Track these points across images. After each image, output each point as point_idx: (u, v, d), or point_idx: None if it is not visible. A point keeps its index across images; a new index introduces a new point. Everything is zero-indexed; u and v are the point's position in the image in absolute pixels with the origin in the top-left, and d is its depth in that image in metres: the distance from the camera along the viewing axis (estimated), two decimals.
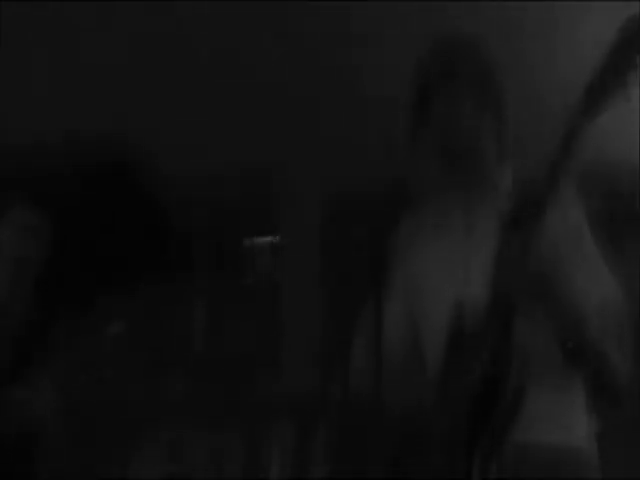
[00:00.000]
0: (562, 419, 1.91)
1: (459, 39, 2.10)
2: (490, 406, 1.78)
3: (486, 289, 1.84)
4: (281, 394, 3.43)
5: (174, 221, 4.05)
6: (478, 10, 3.00)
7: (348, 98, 3.55)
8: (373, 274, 2.21)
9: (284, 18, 3.32)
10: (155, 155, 3.90)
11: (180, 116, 3.77)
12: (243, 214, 3.96)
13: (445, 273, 2.01)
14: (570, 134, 1.83)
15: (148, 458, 3.45)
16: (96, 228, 3.91)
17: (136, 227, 3.96)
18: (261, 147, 3.83)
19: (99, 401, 3.13)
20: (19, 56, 3.68)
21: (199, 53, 3.61)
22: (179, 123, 3.78)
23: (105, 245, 3.93)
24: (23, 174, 3.81)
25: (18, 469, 2.92)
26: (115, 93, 3.70)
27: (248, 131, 3.79)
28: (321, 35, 3.48)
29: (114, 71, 3.68)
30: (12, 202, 3.61)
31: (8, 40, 3.56)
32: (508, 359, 1.82)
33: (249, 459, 3.42)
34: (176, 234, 4.05)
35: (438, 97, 2.06)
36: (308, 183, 3.88)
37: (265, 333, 3.75)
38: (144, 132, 3.73)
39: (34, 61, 3.71)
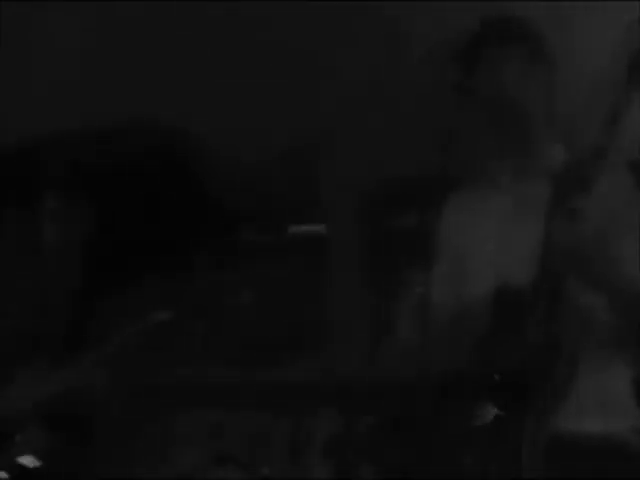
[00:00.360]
0: (608, 406, 1.90)
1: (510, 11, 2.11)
2: (541, 377, 1.78)
3: (534, 266, 1.85)
4: (326, 378, 3.45)
5: (221, 206, 4.08)
6: None
7: (391, 83, 3.55)
8: (418, 258, 2.22)
9: None
10: (203, 140, 3.92)
11: (226, 100, 3.80)
12: (288, 200, 3.97)
13: (493, 248, 2.02)
14: (617, 108, 1.83)
15: (191, 440, 3.49)
16: (143, 213, 3.94)
17: (183, 211, 4.00)
18: (306, 132, 3.84)
19: (145, 384, 3.15)
20: (65, 41, 3.72)
21: (245, 38, 3.63)
22: (225, 107, 3.81)
23: (152, 231, 3.96)
24: (69, 160, 3.85)
25: (73, 452, 2.97)
26: (162, 76, 3.73)
27: (294, 115, 3.80)
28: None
29: (161, 54, 3.71)
30: (57, 188, 3.66)
31: (49, 26, 3.61)
32: (556, 336, 1.82)
33: (293, 443, 3.44)
34: (223, 219, 4.08)
35: (486, 61, 2.07)
36: (353, 168, 3.88)
37: (311, 318, 3.76)
38: (191, 116, 3.76)
39: (79, 45, 3.75)
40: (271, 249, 3.90)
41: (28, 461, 2.83)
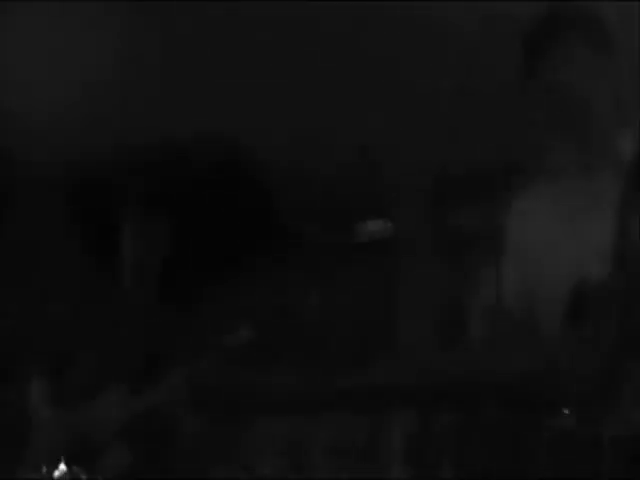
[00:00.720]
0: None
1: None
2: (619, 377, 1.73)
3: (608, 262, 1.80)
4: (400, 380, 3.44)
5: (285, 209, 4.10)
6: None
7: (454, 82, 3.52)
8: (488, 256, 2.20)
9: None
10: (265, 149, 3.95)
11: (287, 106, 3.81)
12: (353, 198, 3.98)
13: (563, 244, 1.98)
14: None
15: (261, 450, 3.51)
16: (211, 227, 3.99)
17: (248, 223, 4.03)
18: (371, 130, 3.84)
19: (222, 394, 3.18)
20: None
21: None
22: (286, 115, 3.83)
23: (221, 243, 4.00)
24: (141, 175, 3.91)
25: (156, 464, 3.01)
26: (225, 89, 3.77)
27: (357, 113, 3.81)
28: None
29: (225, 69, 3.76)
30: (132, 204, 3.70)
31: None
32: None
33: (367, 452, 3.44)
34: (287, 223, 4.10)
35: (554, 47, 2.01)
36: (417, 165, 3.87)
37: (380, 319, 3.75)
38: (253, 129, 3.79)
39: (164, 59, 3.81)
40: (339, 249, 3.91)
41: None
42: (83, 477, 2.94)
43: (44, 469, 2.97)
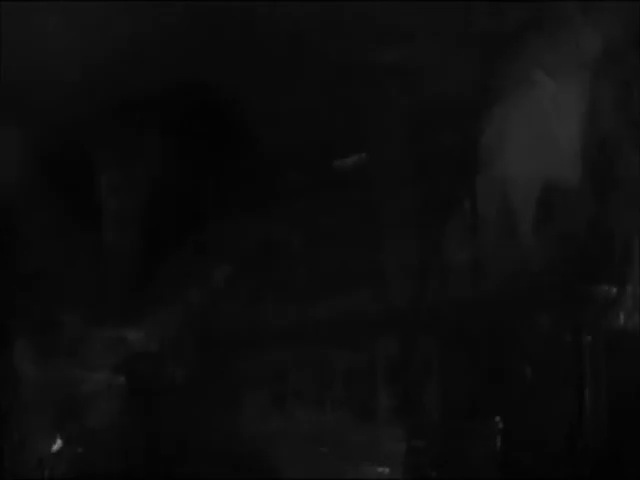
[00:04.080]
0: None
1: None
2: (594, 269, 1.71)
3: (576, 163, 1.78)
4: (383, 307, 3.46)
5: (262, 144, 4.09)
6: None
7: None
8: (464, 175, 2.19)
9: None
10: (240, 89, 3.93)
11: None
12: (330, 130, 3.96)
13: (535, 148, 1.96)
14: None
15: (257, 382, 3.53)
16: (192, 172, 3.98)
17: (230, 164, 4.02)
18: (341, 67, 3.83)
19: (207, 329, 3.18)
20: None
21: None
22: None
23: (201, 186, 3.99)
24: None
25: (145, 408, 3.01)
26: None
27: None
28: None
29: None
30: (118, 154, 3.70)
31: None
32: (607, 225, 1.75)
33: (351, 377, 3.46)
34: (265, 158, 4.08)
35: None
36: (394, 93, 3.85)
37: (361, 250, 3.76)
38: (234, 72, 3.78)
39: None
40: (316, 185, 3.90)
41: None
42: (79, 450, 2.95)
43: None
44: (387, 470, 2.79)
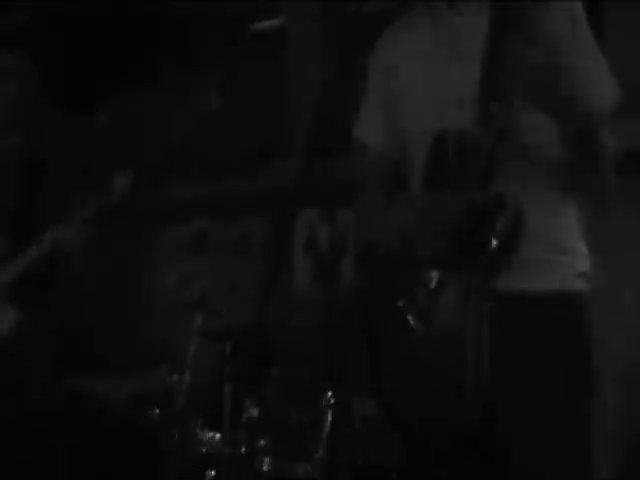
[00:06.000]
0: (558, 254, 1.87)
1: None
2: (486, 232, 1.74)
3: (469, 108, 1.78)
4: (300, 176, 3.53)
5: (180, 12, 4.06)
6: None
7: None
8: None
9: None
10: None
11: None
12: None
13: (425, 89, 1.93)
14: None
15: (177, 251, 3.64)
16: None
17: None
18: None
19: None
20: None
21: None
22: None
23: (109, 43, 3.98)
24: None
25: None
26: None
27: None
28: None
29: None
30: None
31: None
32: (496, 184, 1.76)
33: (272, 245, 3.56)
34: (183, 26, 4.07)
35: None
36: None
37: (277, 124, 3.81)
38: None
39: None
40: (235, 51, 3.91)
41: None
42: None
43: None
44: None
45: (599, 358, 1.86)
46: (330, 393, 2.82)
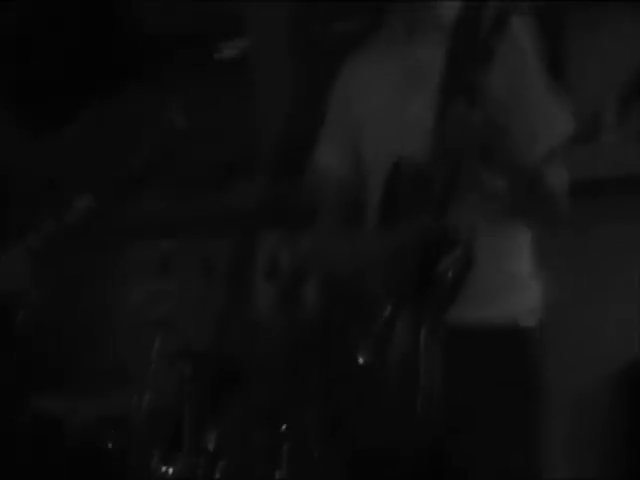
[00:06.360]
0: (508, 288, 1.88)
1: None
2: (438, 265, 1.75)
3: (426, 141, 1.78)
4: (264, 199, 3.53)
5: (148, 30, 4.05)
6: None
7: None
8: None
9: None
10: None
11: None
12: (215, 20, 3.94)
13: (385, 120, 1.94)
14: None
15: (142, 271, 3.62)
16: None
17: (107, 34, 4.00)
18: None
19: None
20: None
21: None
22: None
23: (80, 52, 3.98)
24: None
25: None
26: None
27: None
28: None
29: None
30: None
31: None
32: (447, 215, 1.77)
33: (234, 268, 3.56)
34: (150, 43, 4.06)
35: None
36: None
37: (241, 137, 3.81)
38: None
39: None
40: (202, 70, 3.91)
41: None
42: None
43: None
44: None
45: (548, 389, 1.89)
46: (287, 420, 2.83)
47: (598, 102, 3.21)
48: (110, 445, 3.11)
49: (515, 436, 1.83)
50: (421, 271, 1.75)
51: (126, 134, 3.66)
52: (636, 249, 3.26)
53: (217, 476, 2.89)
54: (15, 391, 2.94)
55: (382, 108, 1.95)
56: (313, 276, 3.15)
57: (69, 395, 3.38)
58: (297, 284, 3.25)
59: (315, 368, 1.99)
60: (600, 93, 3.22)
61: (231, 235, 3.60)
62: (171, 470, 2.92)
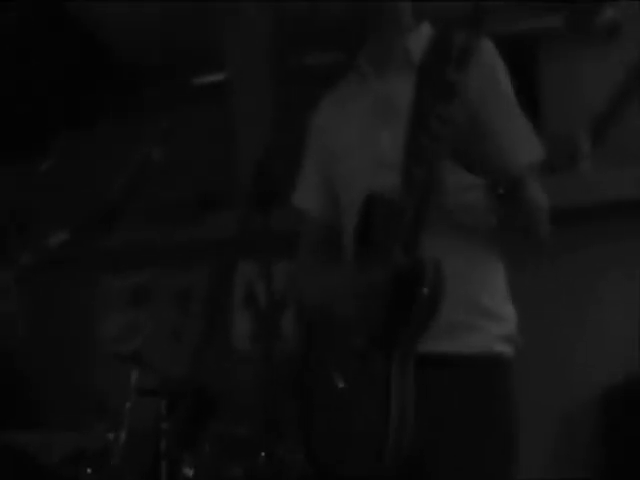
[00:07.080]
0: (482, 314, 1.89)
1: None
2: (408, 300, 1.76)
3: (396, 175, 1.80)
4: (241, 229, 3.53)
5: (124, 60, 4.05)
6: None
7: None
8: None
9: None
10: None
11: None
12: (192, 52, 3.95)
13: (357, 155, 1.96)
14: None
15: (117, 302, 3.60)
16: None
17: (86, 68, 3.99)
18: None
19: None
20: None
21: None
22: None
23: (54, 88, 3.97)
24: None
25: None
26: None
27: None
28: None
29: None
30: None
31: None
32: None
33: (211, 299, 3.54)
34: (127, 74, 4.06)
35: None
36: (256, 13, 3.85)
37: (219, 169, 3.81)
38: None
39: None
40: (180, 101, 3.90)
41: None
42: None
43: None
44: None
45: (520, 420, 1.89)
46: (264, 453, 2.82)
47: (572, 131, 3.25)
48: None
49: (490, 465, 1.84)
50: (392, 305, 1.76)
51: (101, 166, 3.67)
52: (612, 272, 3.29)
53: None
54: None
55: (354, 143, 1.97)
56: (291, 306, 3.16)
57: (44, 429, 3.35)
58: (275, 314, 3.24)
59: (291, 398, 1.99)
60: (574, 122, 3.25)
61: (207, 265, 3.60)
62: None
